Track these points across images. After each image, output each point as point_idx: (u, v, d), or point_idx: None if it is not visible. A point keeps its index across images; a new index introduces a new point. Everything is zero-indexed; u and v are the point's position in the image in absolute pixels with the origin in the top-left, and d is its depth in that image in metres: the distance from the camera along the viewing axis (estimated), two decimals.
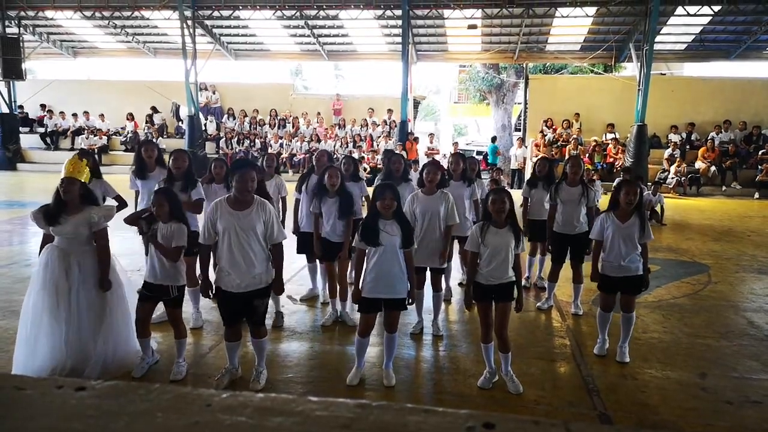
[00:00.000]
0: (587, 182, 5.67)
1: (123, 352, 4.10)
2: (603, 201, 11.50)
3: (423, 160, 18.19)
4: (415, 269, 4.54)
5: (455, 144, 19.56)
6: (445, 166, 5.78)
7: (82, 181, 3.94)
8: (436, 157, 18.53)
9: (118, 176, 5.44)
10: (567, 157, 11.50)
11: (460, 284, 6.43)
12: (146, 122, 19.93)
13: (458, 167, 5.79)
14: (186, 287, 5.05)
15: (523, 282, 6.22)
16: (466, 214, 5.72)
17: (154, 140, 18.63)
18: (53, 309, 3.83)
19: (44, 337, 3.84)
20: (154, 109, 20.29)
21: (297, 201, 5.62)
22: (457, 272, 6.55)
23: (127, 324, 4.13)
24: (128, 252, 6.57)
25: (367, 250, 3.88)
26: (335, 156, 14.21)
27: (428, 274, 4.91)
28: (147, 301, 4.02)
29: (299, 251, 5.72)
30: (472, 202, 5.84)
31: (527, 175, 16.57)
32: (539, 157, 6.78)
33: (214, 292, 3.83)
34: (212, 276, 3.87)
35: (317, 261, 5.75)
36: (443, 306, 5.46)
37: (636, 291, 4.44)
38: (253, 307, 3.75)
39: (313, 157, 5.70)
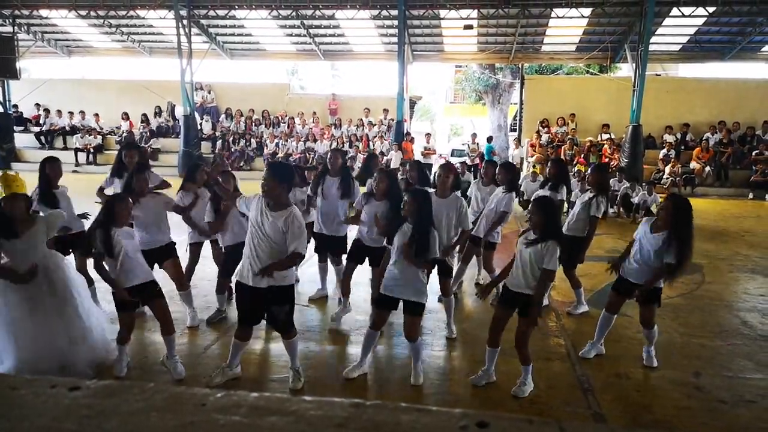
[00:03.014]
0: (601, 191, 5.60)
1: (89, 349, 4.14)
2: None
3: (419, 159, 18.24)
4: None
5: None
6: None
7: (24, 194, 3.99)
8: (433, 158, 18.55)
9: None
10: (556, 158, 11.52)
11: (477, 284, 6.53)
12: (141, 122, 19.86)
13: (489, 173, 6.10)
14: (178, 290, 5.09)
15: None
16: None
17: (148, 141, 18.65)
18: (25, 312, 3.88)
19: (19, 339, 3.88)
20: (159, 109, 20.20)
21: (310, 198, 5.63)
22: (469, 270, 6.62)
23: (94, 321, 4.23)
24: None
25: (389, 252, 4.02)
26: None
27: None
28: (128, 310, 3.98)
29: (314, 251, 5.77)
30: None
31: (523, 174, 16.62)
32: (553, 159, 6.85)
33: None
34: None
35: (328, 261, 5.80)
36: (439, 305, 5.47)
37: (647, 302, 4.33)
38: (271, 312, 3.82)
39: (327, 159, 5.67)
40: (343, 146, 17.88)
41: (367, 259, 5.12)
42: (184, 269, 5.25)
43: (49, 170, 5.02)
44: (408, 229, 3.87)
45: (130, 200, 4.09)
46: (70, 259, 4.49)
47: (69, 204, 5.08)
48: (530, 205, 3.87)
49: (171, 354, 4.08)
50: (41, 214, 4.43)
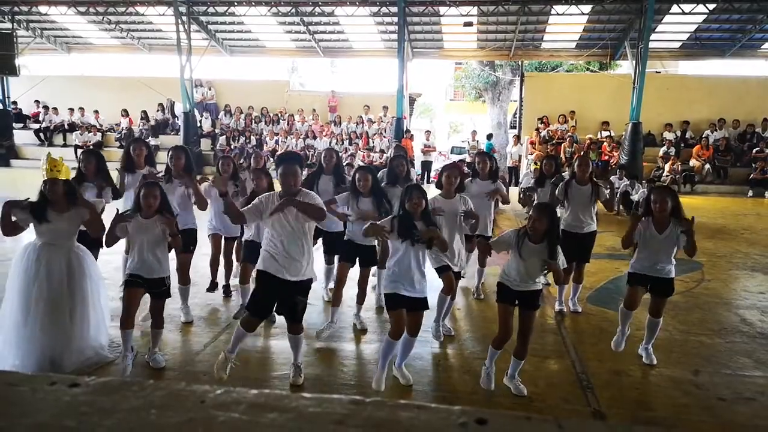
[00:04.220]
0: (596, 180, 5.60)
1: (88, 346, 4.15)
2: None
3: (419, 156, 18.24)
4: (439, 268, 4.57)
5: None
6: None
7: (65, 179, 4.01)
8: (433, 155, 18.55)
9: (113, 173, 5.45)
10: (556, 155, 11.46)
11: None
12: (141, 119, 19.85)
13: (486, 166, 5.82)
14: (179, 284, 5.10)
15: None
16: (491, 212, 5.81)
17: (147, 138, 18.65)
18: (47, 306, 3.89)
19: (37, 334, 3.88)
20: (162, 106, 20.13)
21: None
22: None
23: (93, 323, 4.21)
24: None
25: (391, 248, 3.91)
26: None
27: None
28: (136, 288, 4.01)
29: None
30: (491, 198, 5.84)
31: (523, 171, 16.60)
32: (546, 155, 6.77)
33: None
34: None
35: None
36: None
37: (665, 294, 4.35)
38: (294, 302, 3.81)
39: (322, 157, 5.69)
40: (343, 143, 17.89)
41: (357, 259, 5.06)
42: (209, 263, 5.72)
43: (83, 163, 5.11)
44: (422, 227, 3.83)
45: (156, 189, 4.09)
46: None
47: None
48: (534, 212, 3.82)
49: (154, 345, 4.18)
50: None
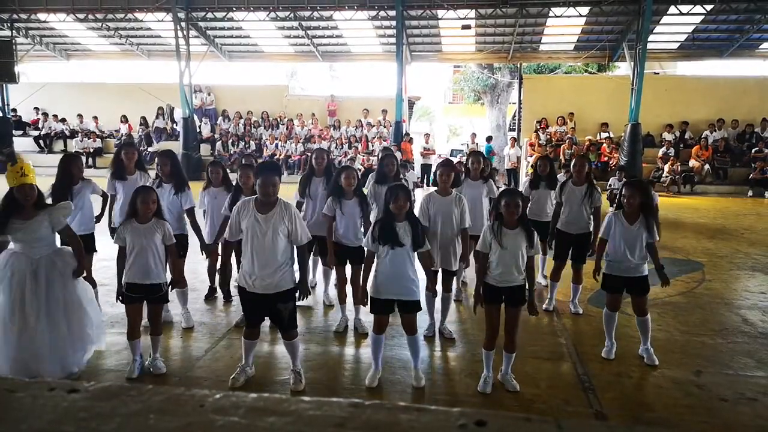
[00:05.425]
0: (593, 182, 5.59)
1: (71, 358, 4.04)
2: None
3: (419, 160, 18.24)
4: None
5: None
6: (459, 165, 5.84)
7: (32, 184, 3.90)
8: (432, 158, 18.55)
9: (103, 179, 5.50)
10: (546, 155, 11.41)
11: (463, 282, 6.42)
12: (140, 125, 19.86)
13: (478, 166, 5.80)
14: (176, 288, 5.09)
15: None
16: (484, 212, 5.76)
17: (136, 142, 18.63)
18: (22, 316, 3.81)
19: (7, 345, 3.82)
20: (162, 110, 19.98)
21: (299, 204, 5.47)
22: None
23: (81, 331, 4.11)
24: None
25: (378, 253, 3.87)
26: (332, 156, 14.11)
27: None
28: (135, 303, 4.04)
29: (316, 254, 5.72)
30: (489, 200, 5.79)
31: (522, 174, 16.62)
32: (540, 156, 6.76)
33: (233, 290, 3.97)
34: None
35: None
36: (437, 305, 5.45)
37: (642, 292, 4.38)
38: (276, 311, 3.77)
39: (312, 158, 5.56)
40: (342, 147, 17.91)
41: (348, 259, 5.04)
42: (206, 269, 5.73)
43: (71, 166, 5.06)
44: (406, 228, 3.83)
45: (154, 195, 4.10)
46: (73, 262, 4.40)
47: (85, 201, 5.07)
48: (505, 199, 3.81)
49: (154, 351, 4.17)
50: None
